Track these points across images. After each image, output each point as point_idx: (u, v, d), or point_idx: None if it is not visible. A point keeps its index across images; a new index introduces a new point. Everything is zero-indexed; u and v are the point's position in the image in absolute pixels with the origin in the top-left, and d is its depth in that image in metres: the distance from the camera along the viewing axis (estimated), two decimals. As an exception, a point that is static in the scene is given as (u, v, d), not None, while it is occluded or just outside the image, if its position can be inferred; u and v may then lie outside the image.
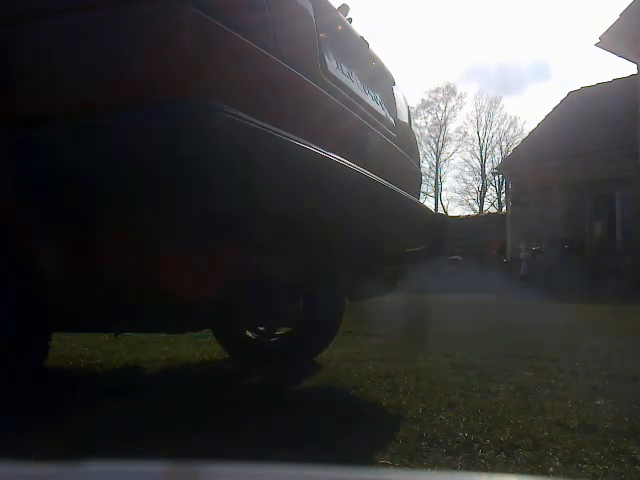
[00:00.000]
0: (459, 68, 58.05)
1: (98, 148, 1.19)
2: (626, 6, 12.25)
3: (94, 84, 1.22)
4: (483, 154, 37.22)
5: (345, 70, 1.91)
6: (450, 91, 38.73)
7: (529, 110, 55.05)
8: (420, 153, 3.16)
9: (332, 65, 1.79)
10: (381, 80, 2.42)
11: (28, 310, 1.34)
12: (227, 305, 1.49)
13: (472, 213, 30.97)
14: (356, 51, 2.14)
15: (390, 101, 2.46)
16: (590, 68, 53.39)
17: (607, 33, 12.53)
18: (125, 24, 1.21)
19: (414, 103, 37.68)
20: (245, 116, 1.19)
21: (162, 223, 1.23)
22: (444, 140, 38.11)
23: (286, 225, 1.37)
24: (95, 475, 0.39)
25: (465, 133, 41.47)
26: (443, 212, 33.16)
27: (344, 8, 2.12)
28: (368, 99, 2.10)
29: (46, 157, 1.22)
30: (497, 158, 35.52)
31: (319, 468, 0.39)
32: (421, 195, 3.06)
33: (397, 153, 2.38)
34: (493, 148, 37.32)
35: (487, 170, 36.11)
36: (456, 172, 44.36)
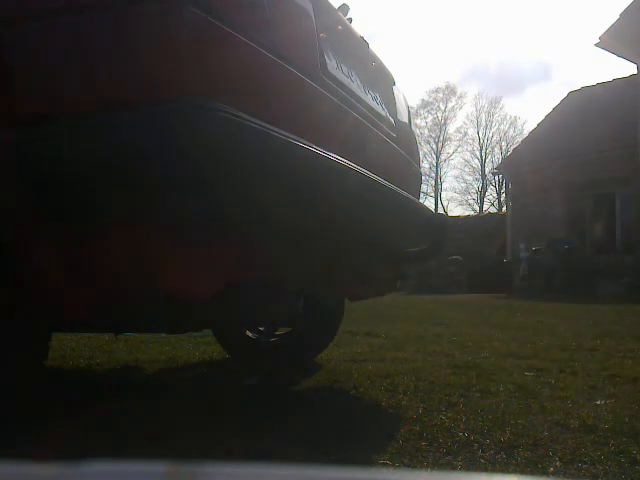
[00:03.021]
0: (459, 68, 58.09)
1: (97, 148, 1.19)
2: (626, 6, 12.24)
3: (93, 84, 1.22)
4: (483, 154, 37.26)
5: (345, 70, 1.91)
6: (450, 91, 38.77)
7: (529, 110, 55.10)
8: (420, 153, 3.15)
9: (332, 65, 1.79)
10: (381, 80, 2.42)
11: (28, 310, 1.34)
12: (227, 305, 1.49)
13: (472, 213, 30.97)
14: (356, 51, 2.14)
15: (390, 101, 2.46)
16: (590, 68, 53.44)
17: (607, 33, 12.52)
18: (125, 24, 1.21)
19: (414, 103, 37.73)
20: (245, 116, 1.19)
21: (162, 223, 1.23)
22: (444, 140, 38.15)
23: (286, 225, 1.37)
24: (95, 475, 0.39)
25: (465, 133, 41.39)
26: (443, 212, 33.14)
27: (344, 8, 2.12)
28: (368, 99, 2.10)
29: (45, 157, 1.22)
30: (497, 158, 35.56)
31: (319, 468, 0.39)
32: (421, 195, 3.06)
33: (397, 153, 2.38)
34: (493, 148, 37.36)
35: (487, 170, 36.13)
36: (456, 172, 44.30)
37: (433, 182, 37.40)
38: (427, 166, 36.50)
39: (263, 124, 1.23)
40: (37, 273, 1.31)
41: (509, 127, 42.58)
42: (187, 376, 2.82)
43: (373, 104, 2.15)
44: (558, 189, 14.46)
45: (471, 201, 37.53)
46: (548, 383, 2.48)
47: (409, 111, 2.79)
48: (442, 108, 38.13)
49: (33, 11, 1.28)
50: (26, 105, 1.26)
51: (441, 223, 2.36)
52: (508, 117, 52.70)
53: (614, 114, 13.88)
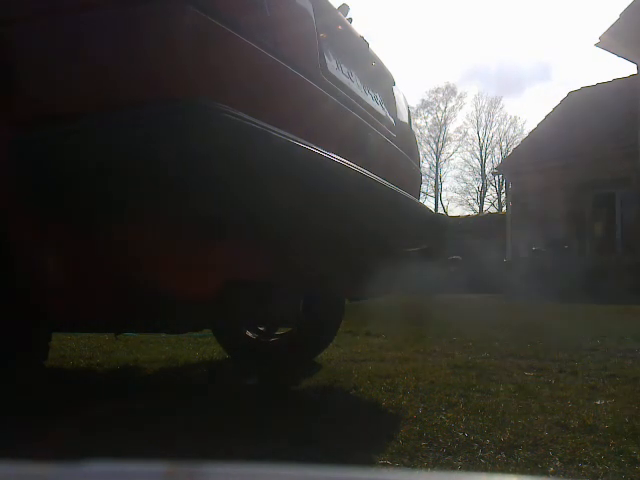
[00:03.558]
0: (459, 68, 58.11)
1: (97, 148, 1.19)
2: (626, 6, 12.24)
3: (93, 84, 1.22)
4: (483, 154, 37.26)
5: (345, 70, 1.91)
6: (450, 91, 38.80)
7: (529, 110, 55.10)
8: (420, 153, 3.15)
9: (332, 65, 1.79)
10: (381, 80, 2.42)
11: (28, 310, 1.34)
12: (227, 305, 1.49)
13: (472, 213, 30.98)
14: (356, 51, 2.14)
15: (390, 101, 2.46)
16: (590, 68, 53.44)
17: (607, 33, 12.52)
18: (125, 24, 1.21)
19: (414, 103, 37.75)
20: (245, 116, 1.19)
21: (162, 223, 1.23)
22: (444, 140, 38.16)
23: (286, 225, 1.37)
24: (95, 475, 0.39)
25: (465, 133, 41.49)
26: (443, 212, 33.14)
27: (344, 8, 2.12)
28: (368, 99, 2.10)
29: (45, 157, 1.22)
30: (497, 158, 35.56)
31: (319, 468, 0.39)
32: (421, 195, 3.06)
33: (397, 153, 2.38)
34: (493, 148, 37.36)
35: (487, 170, 36.14)
36: (456, 172, 44.41)
37: (433, 182, 37.45)
38: (427, 166, 36.57)
39: (263, 124, 1.23)
40: (37, 273, 1.31)
41: (509, 127, 42.71)
42: (187, 376, 2.82)
43: (373, 104, 2.15)
44: (558, 189, 14.45)
45: (471, 201, 37.56)
46: (548, 383, 2.47)
47: (409, 111, 2.79)
48: (442, 108, 38.17)
49: (33, 11, 1.28)
50: (26, 105, 1.26)
51: (441, 223, 2.36)
52: (508, 117, 52.85)
53: (614, 114, 13.88)
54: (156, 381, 2.66)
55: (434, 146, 38.00)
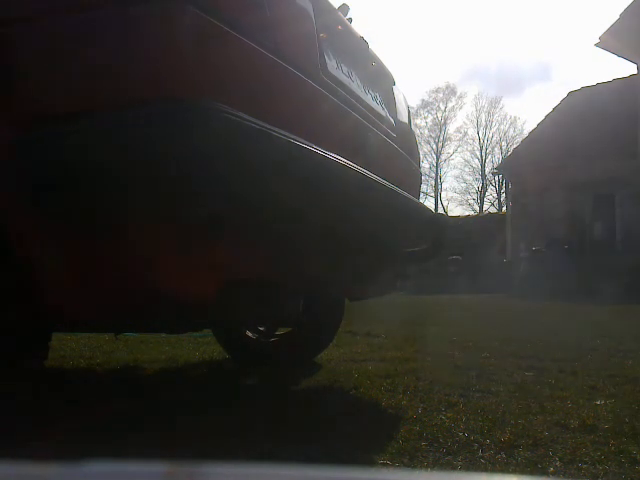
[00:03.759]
0: (459, 68, 58.09)
1: (97, 149, 1.19)
2: (626, 6, 12.25)
3: (92, 84, 1.22)
4: (483, 154, 37.23)
5: (345, 70, 1.91)
6: (450, 91, 38.74)
7: (529, 110, 55.08)
8: (420, 153, 3.15)
9: (332, 65, 1.79)
10: (381, 80, 2.42)
11: (28, 310, 1.34)
12: (227, 305, 1.49)
13: (472, 213, 30.96)
14: (356, 51, 2.14)
15: (390, 101, 2.46)
16: (590, 68, 53.44)
17: (607, 33, 12.53)
18: (125, 24, 1.21)
19: (414, 103, 37.71)
20: (245, 116, 1.19)
21: (161, 223, 1.23)
22: (444, 140, 38.12)
23: (286, 225, 1.37)
24: (95, 475, 0.39)
25: (465, 133, 41.40)
26: (443, 212, 33.13)
27: (344, 8, 2.12)
28: (368, 99, 2.10)
29: (46, 157, 1.22)
30: (497, 158, 35.52)
31: (319, 468, 0.40)
32: (421, 195, 3.06)
33: (397, 153, 2.38)
34: (493, 148, 37.33)
35: (487, 170, 36.11)
36: (456, 172, 44.39)
37: (433, 182, 37.41)
38: (427, 166, 36.52)
39: (262, 124, 1.23)
40: (37, 273, 1.31)
41: (509, 127, 42.64)
42: (187, 376, 2.82)
43: (373, 104, 2.15)
44: (558, 189, 14.46)
45: (471, 201, 37.53)
46: (548, 383, 2.47)
47: (409, 111, 2.79)
48: (442, 108, 38.14)
49: (33, 11, 1.28)
50: (26, 106, 1.26)
51: (441, 223, 2.36)
52: (508, 117, 52.75)
53: (614, 114, 13.88)
54: (156, 381, 2.66)
55: (434, 146, 38.00)
